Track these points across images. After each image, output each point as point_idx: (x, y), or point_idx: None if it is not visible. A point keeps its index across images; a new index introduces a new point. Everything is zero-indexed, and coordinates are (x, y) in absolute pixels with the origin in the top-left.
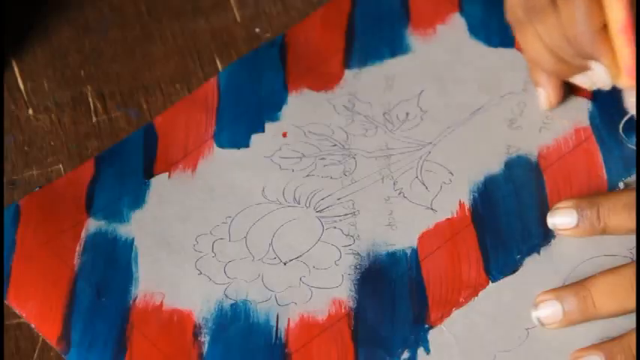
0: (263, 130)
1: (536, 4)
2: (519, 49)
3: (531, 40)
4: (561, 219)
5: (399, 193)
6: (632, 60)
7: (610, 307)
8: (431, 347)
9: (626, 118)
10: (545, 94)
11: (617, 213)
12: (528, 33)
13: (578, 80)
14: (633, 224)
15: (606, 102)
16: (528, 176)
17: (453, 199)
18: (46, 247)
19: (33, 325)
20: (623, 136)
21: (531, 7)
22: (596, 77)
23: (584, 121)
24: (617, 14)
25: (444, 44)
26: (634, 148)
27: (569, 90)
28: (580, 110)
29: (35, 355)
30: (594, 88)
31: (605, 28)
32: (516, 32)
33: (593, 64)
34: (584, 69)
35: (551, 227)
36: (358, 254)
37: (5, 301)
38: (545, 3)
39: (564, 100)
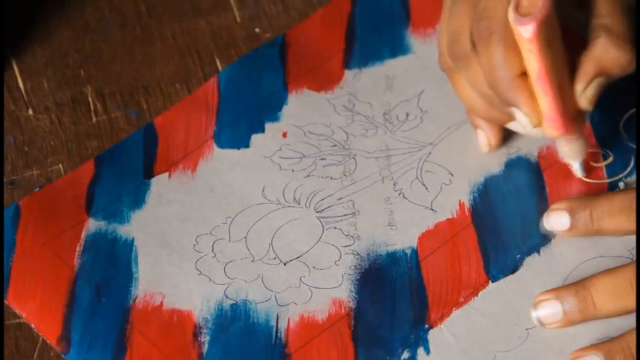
0: (263, 131)
1: (460, 51)
2: None
3: (461, 87)
4: (555, 221)
5: (399, 194)
6: (553, 109)
7: (610, 307)
8: (431, 347)
9: (626, 117)
10: (485, 137)
11: (612, 216)
12: (458, 80)
13: (512, 126)
14: (631, 226)
15: (607, 100)
16: (528, 177)
17: (453, 199)
18: (46, 247)
19: (33, 325)
20: (624, 134)
21: (456, 54)
22: (524, 125)
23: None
24: (532, 63)
25: None
26: (634, 146)
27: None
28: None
29: (35, 355)
30: (533, 136)
31: (525, 74)
32: (449, 79)
33: (514, 111)
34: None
35: (546, 227)
36: (358, 254)
37: (5, 301)
38: (467, 50)
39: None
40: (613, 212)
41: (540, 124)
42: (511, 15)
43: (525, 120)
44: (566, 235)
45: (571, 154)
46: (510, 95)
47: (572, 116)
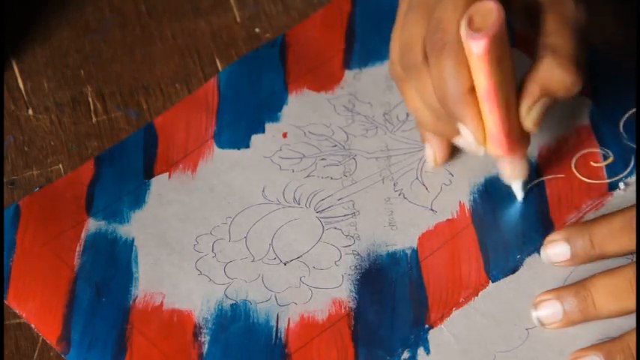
0: (263, 131)
1: (411, 60)
2: (520, 48)
3: (410, 98)
4: (553, 252)
5: (400, 194)
6: (498, 128)
7: (610, 308)
8: (431, 347)
9: (626, 117)
10: (431, 151)
11: (614, 238)
12: (407, 90)
13: (459, 142)
14: (634, 246)
15: (607, 100)
16: (529, 177)
17: (454, 200)
18: (46, 247)
19: (33, 325)
20: (624, 134)
21: (407, 63)
22: (469, 142)
23: (584, 119)
24: (480, 80)
25: None
26: (634, 146)
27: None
28: (580, 108)
29: (35, 355)
30: (475, 153)
31: (473, 90)
32: (399, 88)
33: (460, 127)
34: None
35: (545, 261)
36: (358, 254)
37: (5, 301)
38: (419, 60)
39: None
40: (614, 234)
41: (484, 143)
42: (463, 30)
43: (470, 137)
44: (567, 265)
45: (512, 174)
46: (457, 110)
47: (516, 136)
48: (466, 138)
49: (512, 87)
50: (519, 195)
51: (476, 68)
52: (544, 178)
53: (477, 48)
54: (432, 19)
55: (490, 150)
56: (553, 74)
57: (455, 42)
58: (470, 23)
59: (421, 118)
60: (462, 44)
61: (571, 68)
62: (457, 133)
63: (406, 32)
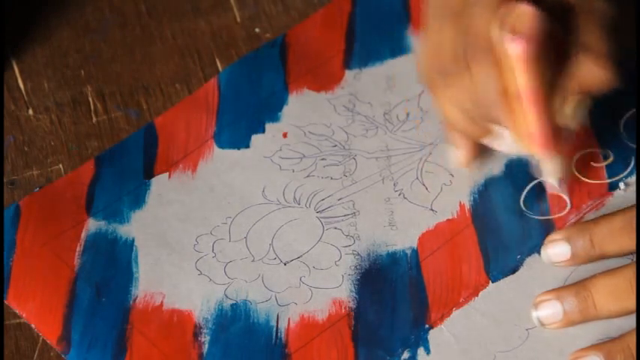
0: (263, 131)
1: (446, 66)
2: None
3: (444, 102)
4: (553, 252)
5: (400, 194)
6: (538, 127)
7: (610, 308)
8: (431, 347)
9: (626, 117)
10: (459, 154)
11: (614, 238)
12: (442, 94)
13: (489, 142)
14: (634, 246)
15: (607, 100)
16: (529, 177)
17: (454, 200)
18: (46, 247)
19: (33, 325)
20: (624, 134)
21: (441, 69)
22: (505, 142)
23: (585, 119)
24: (519, 79)
25: None
26: (634, 146)
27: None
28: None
29: (35, 355)
30: (511, 152)
31: (509, 92)
32: (431, 94)
33: (500, 129)
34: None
35: (545, 261)
36: (358, 254)
37: (5, 301)
38: (453, 65)
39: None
40: (614, 234)
41: (524, 142)
42: (499, 33)
43: (509, 138)
44: (568, 265)
45: (552, 171)
46: (496, 112)
47: (556, 134)
48: (505, 139)
49: (548, 86)
50: (561, 191)
51: (514, 69)
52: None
53: (516, 50)
54: (462, 24)
55: (531, 149)
56: (590, 72)
57: (488, 45)
58: (502, 26)
59: (454, 121)
60: (494, 47)
61: (604, 64)
62: (489, 133)
63: (434, 39)
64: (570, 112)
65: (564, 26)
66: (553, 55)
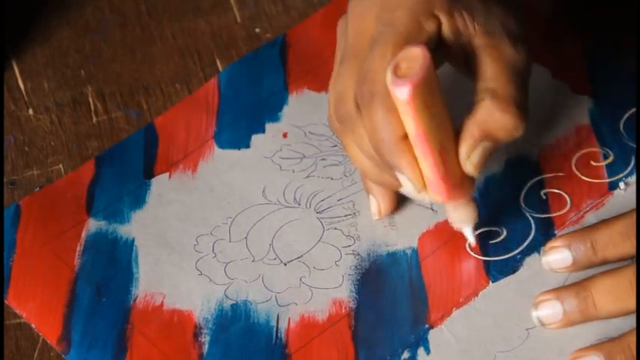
0: (263, 131)
1: (345, 112)
2: None
3: (351, 149)
4: (554, 259)
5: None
6: (434, 174)
7: (610, 308)
8: (431, 347)
9: (626, 117)
10: (375, 203)
11: (615, 243)
12: (347, 142)
13: (404, 191)
14: (635, 251)
15: (607, 100)
16: (529, 176)
17: None
18: (46, 247)
19: (33, 325)
20: (624, 134)
21: (341, 116)
22: (409, 190)
23: (585, 118)
24: (409, 126)
25: None
26: (634, 146)
27: (568, 89)
28: (580, 108)
29: (35, 355)
30: (420, 200)
31: (407, 137)
32: (340, 140)
33: (399, 176)
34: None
35: (546, 267)
36: (358, 255)
37: (5, 301)
38: (352, 111)
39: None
40: (615, 240)
41: (424, 189)
42: (388, 77)
43: (409, 185)
44: (568, 271)
45: (459, 219)
46: (392, 159)
47: (457, 181)
48: (406, 187)
49: (446, 131)
50: (471, 240)
51: (404, 115)
52: (544, 177)
53: (401, 94)
54: (362, 70)
55: (431, 196)
56: (493, 117)
57: (384, 91)
58: (396, 70)
59: (364, 170)
60: (390, 91)
61: (511, 111)
62: (398, 182)
63: (339, 85)
64: (474, 159)
65: (471, 71)
66: (446, 99)
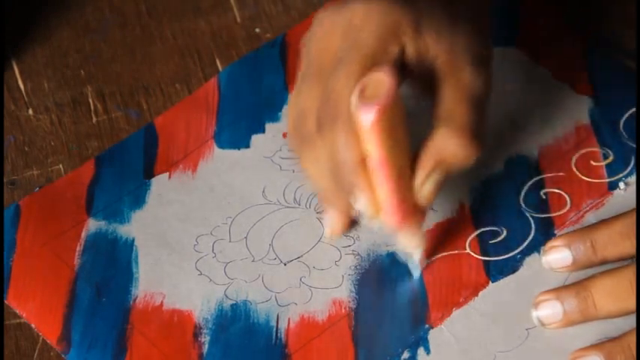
0: (263, 131)
1: (305, 130)
2: (520, 48)
3: (308, 167)
4: (554, 258)
5: None
6: (390, 199)
7: (610, 308)
8: (431, 347)
9: (626, 116)
10: (329, 222)
11: (615, 243)
12: (304, 159)
13: (358, 213)
14: (634, 250)
15: (607, 100)
16: (529, 176)
17: (454, 199)
18: (46, 247)
19: (33, 325)
20: (624, 134)
21: (301, 132)
22: (361, 212)
23: (585, 118)
24: (371, 150)
25: None
26: (634, 146)
27: (568, 89)
28: (580, 108)
29: (35, 355)
30: (372, 224)
31: (366, 161)
32: (297, 156)
33: (355, 198)
34: None
35: (546, 267)
36: (358, 255)
37: (5, 301)
38: (313, 130)
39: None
40: (615, 239)
41: (377, 214)
42: (354, 100)
43: (364, 208)
44: (568, 270)
45: (407, 246)
46: (350, 181)
47: (411, 207)
48: (360, 210)
49: (405, 158)
50: (415, 271)
51: (367, 139)
52: (544, 176)
53: (366, 118)
54: (325, 90)
55: (385, 221)
56: (447, 145)
57: (346, 112)
58: (362, 93)
59: (318, 187)
60: (354, 115)
61: (466, 139)
62: (350, 205)
63: (300, 102)
64: (427, 187)
65: (430, 95)
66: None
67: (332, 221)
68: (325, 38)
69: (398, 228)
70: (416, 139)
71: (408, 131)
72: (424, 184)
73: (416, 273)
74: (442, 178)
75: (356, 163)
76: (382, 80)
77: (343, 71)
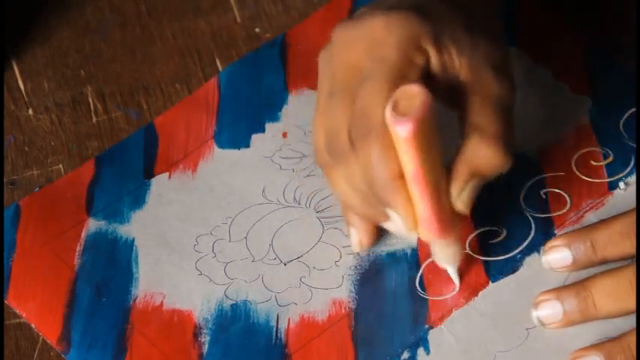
0: (263, 131)
1: (338, 147)
2: (521, 48)
3: (339, 184)
4: (554, 258)
5: None
6: (428, 212)
7: (610, 308)
8: (431, 347)
9: (626, 116)
10: (357, 236)
11: (615, 243)
12: (335, 176)
13: (388, 226)
14: (634, 250)
15: (607, 100)
16: (529, 176)
17: None
18: (46, 247)
19: (33, 325)
20: (624, 134)
21: (334, 149)
22: (399, 226)
23: (585, 118)
24: (408, 164)
25: None
26: (634, 146)
27: (568, 89)
28: (580, 108)
29: (35, 355)
30: (406, 237)
31: (403, 175)
32: (326, 175)
33: (391, 213)
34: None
35: (546, 267)
36: (358, 255)
37: (5, 301)
38: (345, 146)
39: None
40: (615, 239)
41: (415, 228)
42: (388, 114)
43: (400, 223)
44: (568, 270)
45: (446, 258)
46: (387, 196)
47: (448, 220)
48: (397, 223)
49: (441, 170)
50: (455, 280)
51: (403, 153)
52: (544, 176)
53: (403, 132)
54: (356, 105)
55: (421, 234)
56: (481, 155)
57: (380, 127)
58: (395, 107)
59: (349, 203)
60: (388, 129)
61: (499, 148)
62: (386, 217)
63: (330, 119)
64: (464, 197)
65: (457, 105)
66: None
67: (359, 234)
68: (348, 53)
69: (436, 240)
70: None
71: (442, 144)
72: (460, 195)
73: (456, 281)
74: (478, 186)
75: (391, 178)
76: (415, 93)
77: (372, 86)
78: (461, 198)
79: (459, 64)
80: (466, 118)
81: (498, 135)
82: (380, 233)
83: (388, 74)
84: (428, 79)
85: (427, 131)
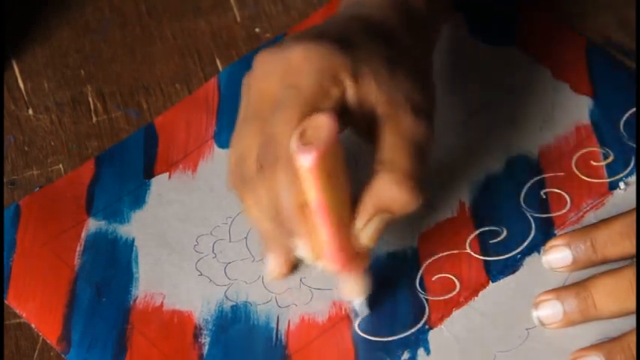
0: None
1: (246, 172)
2: (520, 48)
3: (250, 209)
4: (554, 257)
5: None
6: (331, 244)
7: (610, 308)
8: (431, 348)
9: (626, 116)
10: (271, 264)
11: (615, 243)
12: (246, 200)
13: (300, 255)
14: (634, 250)
15: (607, 100)
16: (529, 176)
17: (454, 198)
18: (46, 247)
19: (33, 325)
20: (624, 134)
21: (242, 175)
22: (306, 256)
23: (585, 118)
24: (311, 194)
25: (444, 43)
26: (634, 146)
27: (568, 89)
28: (580, 108)
29: (35, 355)
30: (315, 266)
31: (307, 205)
32: (239, 198)
33: (297, 241)
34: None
35: (546, 266)
36: None
37: (5, 301)
38: (253, 172)
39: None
40: (615, 239)
41: (319, 258)
42: (293, 143)
43: (304, 252)
44: (569, 270)
45: (349, 292)
46: (291, 224)
47: (352, 252)
48: (301, 253)
49: (346, 202)
50: (359, 313)
51: (306, 182)
52: (544, 176)
53: (305, 161)
54: (265, 131)
55: (325, 265)
56: (388, 191)
57: (287, 155)
58: (302, 137)
59: (261, 229)
60: (293, 158)
61: (406, 185)
62: (294, 245)
63: (241, 143)
64: (368, 232)
65: (371, 139)
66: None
67: (273, 264)
68: (264, 80)
69: (339, 274)
70: (358, 182)
71: (349, 175)
72: (364, 230)
73: (361, 314)
74: (383, 223)
75: (296, 207)
76: (322, 124)
77: (283, 114)
78: (365, 232)
79: (375, 98)
80: (377, 153)
81: (408, 174)
82: (295, 266)
83: (300, 103)
84: (345, 111)
85: (332, 162)
